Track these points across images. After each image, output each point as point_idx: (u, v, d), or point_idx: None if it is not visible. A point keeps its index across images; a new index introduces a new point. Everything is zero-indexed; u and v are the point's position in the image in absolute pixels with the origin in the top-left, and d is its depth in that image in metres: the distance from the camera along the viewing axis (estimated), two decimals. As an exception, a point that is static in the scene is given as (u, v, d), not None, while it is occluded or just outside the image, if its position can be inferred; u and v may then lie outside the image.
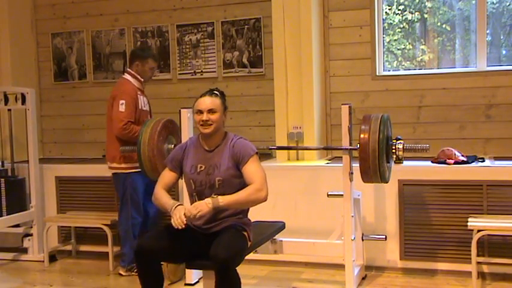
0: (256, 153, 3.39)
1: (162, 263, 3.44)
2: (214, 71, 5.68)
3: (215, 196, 3.24)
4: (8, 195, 5.29)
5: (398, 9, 5.43)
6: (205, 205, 3.20)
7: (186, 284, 4.41)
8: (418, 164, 4.63)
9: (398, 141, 3.89)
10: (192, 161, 3.42)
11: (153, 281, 3.29)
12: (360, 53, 5.24)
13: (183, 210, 3.21)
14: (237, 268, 3.18)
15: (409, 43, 5.49)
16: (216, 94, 3.42)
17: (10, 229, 5.28)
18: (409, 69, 5.44)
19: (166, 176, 3.50)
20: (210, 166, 3.36)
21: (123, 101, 4.50)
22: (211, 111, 3.34)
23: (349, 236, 4.03)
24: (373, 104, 5.19)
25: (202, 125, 3.35)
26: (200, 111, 3.36)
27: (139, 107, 4.62)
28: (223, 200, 3.21)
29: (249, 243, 3.43)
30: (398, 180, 4.48)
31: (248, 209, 3.49)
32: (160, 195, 3.42)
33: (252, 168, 3.31)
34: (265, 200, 3.29)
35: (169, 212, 3.28)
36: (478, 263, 4.20)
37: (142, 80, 4.71)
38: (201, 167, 3.38)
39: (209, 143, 3.41)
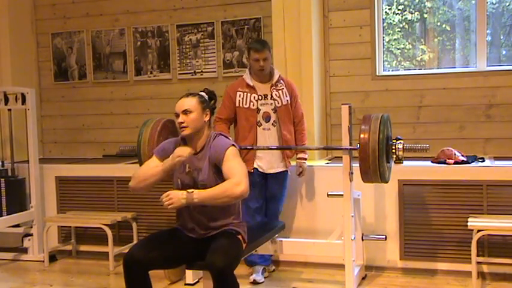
0: (233, 145, 3.31)
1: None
2: (214, 71, 5.68)
3: (190, 191, 3.16)
4: (8, 195, 5.28)
5: (398, 9, 5.44)
6: (178, 198, 3.13)
7: (186, 284, 4.41)
8: (418, 164, 4.63)
9: (398, 141, 3.89)
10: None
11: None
12: (360, 53, 5.24)
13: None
14: (237, 267, 3.18)
15: (408, 43, 5.49)
16: (194, 95, 3.36)
17: (10, 229, 5.28)
18: (409, 69, 5.44)
19: (152, 164, 3.37)
20: (194, 169, 3.31)
21: (223, 98, 4.43)
22: (185, 111, 3.27)
23: (349, 236, 4.03)
24: (373, 104, 5.19)
25: (180, 127, 3.29)
26: (177, 114, 3.31)
27: (237, 105, 4.34)
28: (198, 195, 3.13)
29: (244, 246, 3.41)
30: (398, 180, 4.48)
31: (239, 209, 3.46)
32: (144, 171, 3.35)
33: (229, 164, 3.21)
34: (244, 196, 3.18)
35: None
36: (478, 263, 4.20)
37: (256, 73, 4.38)
38: (189, 167, 3.33)
39: (193, 145, 3.33)
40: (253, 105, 4.33)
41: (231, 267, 3.11)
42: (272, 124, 4.36)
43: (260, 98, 4.35)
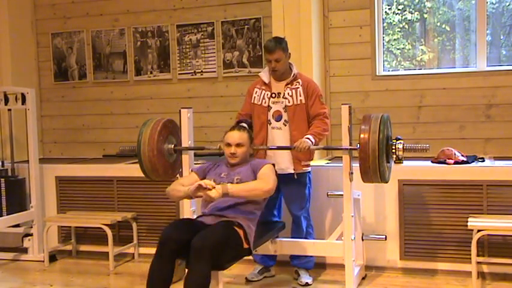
0: (273, 164, 3.82)
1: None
2: (214, 71, 5.69)
3: (225, 183, 3.52)
4: (8, 195, 5.28)
5: (398, 9, 5.44)
6: (215, 191, 3.39)
7: (186, 284, 4.40)
8: (418, 164, 4.63)
9: (398, 141, 3.89)
10: (217, 170, 3.81)
11: (166, 275, 3.31)
12: (360, 53, 5.24)
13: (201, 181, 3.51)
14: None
15: (408, 43, 5.49)
16: (244, 128, 3.85)
17: (10, 229, 5.28)
18: (409, 69, 5.44)
19: (188, 177, 3.87)
20: (230, 173, 3.74)
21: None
22: (238, 145, 3.76)
23: (349, 236, 4.03)
24: (373, 104, 5.19)
25: (230, 156, 3.76)
26: (229, 144, 3.77)
27: (252, 101, 4.34)
28: (232, 187, 3.46)
29: (244, 244, 3.47)
30: (398, 180, 4.48)
31: (257, 218, 3.65)
32: (176, 186, 3.68)
33: (264, 171, 3.69)
34: (271, 193, 3.60)
35: (190, 193, 3.49)
36: (478, 263, 4.20)
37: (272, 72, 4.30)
38: (225, 174, 3.75)
39: (234, 165, 3.81)
40: (265, 103, 4.28)
41: (209, 249, 3.18)
42: (283, 123, 4.26)
43: (273, 95, 4.28)
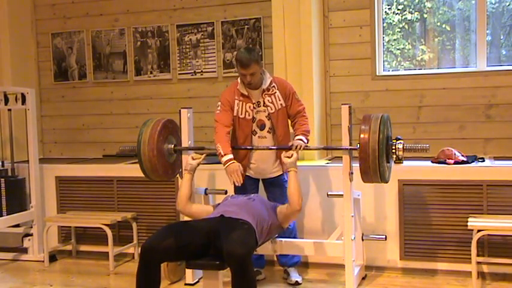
0: None
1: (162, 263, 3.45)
2: (214, 71, 5.69)
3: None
4: (8, 195, 5.28)
5: (398, 9, 5.44)
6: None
7: (186, 284, 4.41)
8: (418, 164, 4.63)
9: (398, 141, 3.90)
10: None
11: (152, 283, 3.29)
12: (360, 53, 5.24)
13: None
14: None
15: (408, 43, 5.49)
16: None
17: (10, 229, 5.28)
18: (409, 69, 5.44)
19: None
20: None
21: (219, 103, 4.20)
22: None
23: (349, 236, 4.03)
24: (373, 104, 5.19)
25: None
26: None
27: (235, 114, 4.17)
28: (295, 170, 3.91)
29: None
30: (398, 180, 4.48)
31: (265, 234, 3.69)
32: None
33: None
34: (297, 214, 3.94)
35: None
36: (478, 263, 4.20)
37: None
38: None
39: None
40: (249, 115, 4.18)
41: (250, 255, 3.19)
42: (268, 131, 4.21)
43: (255, 106, 4.20)
